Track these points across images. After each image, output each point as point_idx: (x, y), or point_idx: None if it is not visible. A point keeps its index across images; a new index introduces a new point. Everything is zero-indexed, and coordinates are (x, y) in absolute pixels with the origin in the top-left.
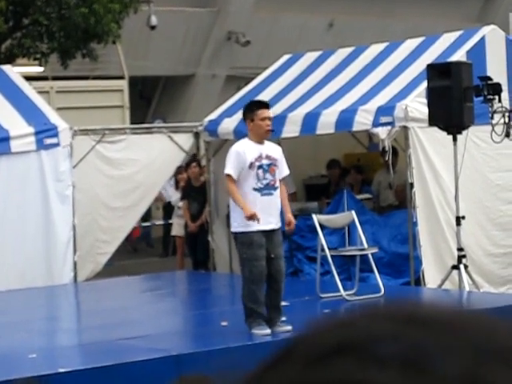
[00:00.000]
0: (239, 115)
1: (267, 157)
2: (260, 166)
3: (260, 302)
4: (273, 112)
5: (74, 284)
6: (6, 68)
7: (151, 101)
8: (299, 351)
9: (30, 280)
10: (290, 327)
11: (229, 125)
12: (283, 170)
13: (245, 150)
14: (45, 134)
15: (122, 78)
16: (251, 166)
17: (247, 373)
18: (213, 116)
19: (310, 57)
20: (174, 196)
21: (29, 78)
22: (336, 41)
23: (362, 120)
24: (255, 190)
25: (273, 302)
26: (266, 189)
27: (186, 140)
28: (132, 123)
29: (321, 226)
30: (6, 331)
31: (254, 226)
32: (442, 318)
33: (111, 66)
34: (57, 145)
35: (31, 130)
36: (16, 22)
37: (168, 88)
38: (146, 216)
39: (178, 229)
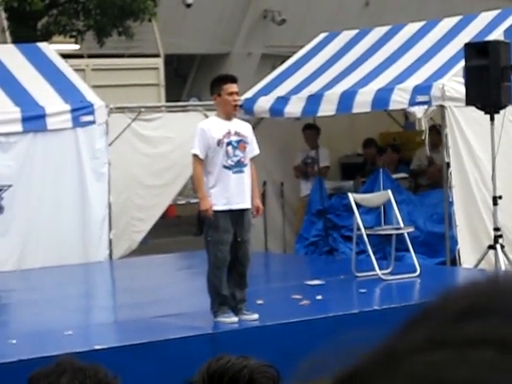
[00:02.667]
0: (275, 94)
1: (236, 133)
2: (229, 143)
3: (223, 286)
4: (309, 91)
5: (109, 262)
6: (43, 45)
7: (186, 79)
8: (434, 313)
9: (66, 257)
10: (256, 315)
11: (264, 103)
12: (254, 149)
13: (210, 127)
14: (81, 111)
15: (157, 56)
16: (219, 142)
17: (381, 339)
18: (248, 94)
19: (347, 35)
20: None
21: (65, 56)
22: (372, 19)
23: (399, 99)
24: (226, 167)
25: (238, 286)
26: (237, 166)
27: None
28: (167, 101)
29: (356, 204)
30: (42, 308)
31: (224, 205)
32: None
33: (147, 44)
34: (93, 122)
35: (67, 107)
36: None
37: (203, 66)
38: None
39: None
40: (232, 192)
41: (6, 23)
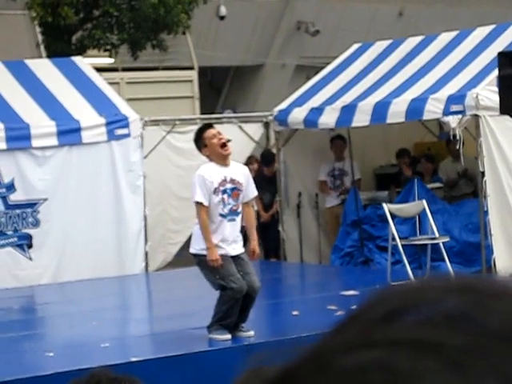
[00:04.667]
0: (309, 105)
1: (231, 180)
2: (224, 191)
3: (233, 316)
4: (343, 101)
5: (145, 274)
6: (77, 59)
7: (221, 91)
8: (362, 315)
9: (102, 270)
10: (252, 332)
11: (299, 114)
12: (249, 193)
13: (210, 175)
14: (116, 124)
15: (191, 68)
16: (215, 191)
17: (313, 341)
18: (283, 106)
19: (380, 46)
20: None
21: (99, 70)
22: (406, 30)
23: (433, 109)
24: (221, 215)
25: (242, 315)
26: (230, 214)
27: (256, 130)
28: (202, 113)
29: (391, 215)
30: (78, 321)
31: (220, 251)
32: (495, 286)
33: (181, 57)
34: (127, 135)
35: (102, 120)
36: (86, 13)
37: (237, 78)
38: None
39: None
40: (228, 241)
41: (40, 38)
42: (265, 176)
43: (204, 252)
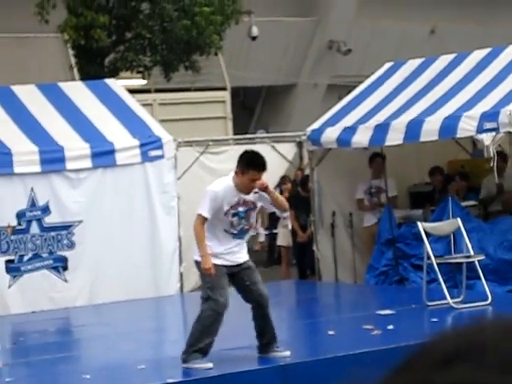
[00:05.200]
0: (342, 124)
1: (245, 203)
2: (235, 214)
3: (213, 334)
4: (376, 120)
5: (180, 295)
6: (110, 81)
7: (253, 111)
8: (420, 359)
9: (137, 291)
10: (288, 353)
11: (332, 134)
12: (266, 202)
13: (222, 194)
14: (149, 146)
15: (224, 89)
16: (226, 213)
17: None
18: (316, 125)
19: (413, 64)
20: None
21: (132, 91)
22: (438, 47)
23: (466, 126)
24: (226, 231)
25: (264, 329)
26: (239, 234)
27: (289, 149)
28: (235, 134)
29: (426, 233)
30: (114, 343)
31: (218, 261)
32: None
33: (213, 78)
34: (161, 157)
35: (136, 142)
36: (119, 35)
37: (270, 98)
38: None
39: (283, 238)
40: (228, 252)
41: (73, 60)
42: (301, 197)
43: (198, 258)
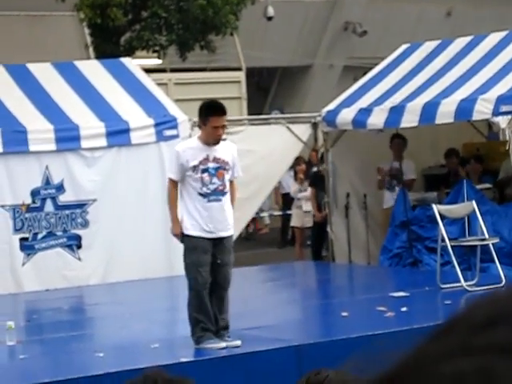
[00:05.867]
0: (358, 105)
1: (215, 159)
2: (205, 170)
3: (206, 311)
4: (391, 102)
5: None
6: (126, 60)
7: (268, 91)
8: (461, 322)
9: (151, 271)
10: (238, 342)
11: (347, 115)
12: (235, 172)
13: (187, 151)
14: (164, 125)
15: (239, 69)
16: (195, 168)
17: (410, 347)
18: (331, 106)
19: (429, 46)
20: (293, 187)
21: (147, 71)
22: (454, 30)
23: (482, 109)
24: (200, 194)
25: (218, 310)
26: (214, 194)
27: (304, 131)
28: (250, 114)
29: (441, 216)
30: (128, 322)
31: (200, 232)
32: None
33: (229, 58)
34: (176, 136)
35: (151, 121)
36: (135, 14)
37: (285, 79)
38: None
39: (297, 220)
40: (207, 221)
41: (89, 39)
42: (320, 176)
43: (184, 231)
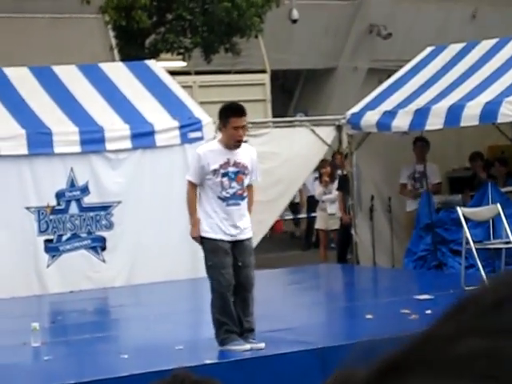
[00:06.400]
0: (382, 108)
1: (235, 164)
2: (225, 174)
3: (229, 313)
4: (416, 105)
5: None
6: (151, 63)
7: (293, 94)
8: (471, 303)
9: (175, 272)
10: (263, 344)
11: (372, 118)
12: (253, 176)
13: (208, 154)
14: (189, 127)
15: (263, 71)
16: (215, 172)
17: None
18: (355, 109)
19: (454, 49)
20: (317, 189)
21: (172, 73)
22: (479, 32)
23: (507, 112)
24: (220, 198)
25: (243, 312)
26: (233, 199)
27: (328, 133)
28: (274, 117)
29: (465, 218)
30: (152, 323)
31: (219, 235)
32: None
33: (253, 60)
34: (201, 139)
35: (176, 124)
36: (160, 17)
37: (309, 81)
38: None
39: (321, 222)
40: (226, 224)
41: (114, 41)
42: (348, 179)
43: (203, 234)
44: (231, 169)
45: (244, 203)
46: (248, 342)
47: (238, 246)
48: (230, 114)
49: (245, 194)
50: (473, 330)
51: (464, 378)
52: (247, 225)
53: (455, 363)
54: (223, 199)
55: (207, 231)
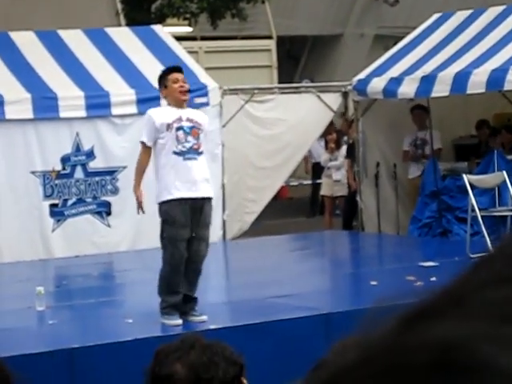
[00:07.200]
0: (388, 75)
1: (188, 119)
2: (180, 128)
3: (176, 289)
4: (423, 72)
5: (222, 243)
6: (157, 28)
7: (299, 60)
8: (501, 253)
9: None
10: (205, 317)
11: (378, 84)
12: (207, 142)
13: (160, 113)
14: (195, 93)
15: (270, 37)
16: (169, 127)
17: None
18: (362, 75)
19: (461, 16)
20: (323, 156)
21: (178, 38)
22: None
23: None
24: (176, 153)
25: (188, 282)
26: (189, 153)
27: (334, 100)
28: (280, 83)
29: (471, 186)
30: (156, 288)
31: (176, 194)
32: None
33: (259, 26)
34: (206, 104)
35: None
36: None
37: (316, 48)
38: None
39: (326, 189)
40: (183, 180)
41: (120, 6)
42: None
43: (159, 199)
44: (185, 123)
45: (202, 159)
46: (190, 314)
47: (195, 211)
48: (167, 72)
49: (201, 149)
50: (506, 278)
51: (500, 322)
52: (206, 182)
53: (490, 308)
54: (179, 153)
55: (163, 194)
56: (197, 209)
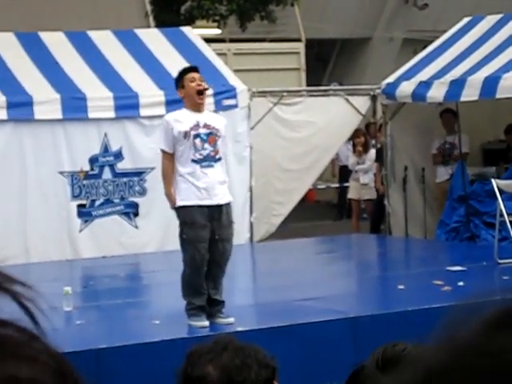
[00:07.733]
0: (417, 78)
1: (205, 126)
2: (197, 135)
3: (200, 290)
4: (452, 76)
5: (249, 245)
6: (186, 30)
7: (328, 63)
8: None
9: None
10: (232, 319)
11: (407, 88)
12: (226, 144)
13: (176, 119)
14: (223, 95)
15: (299, 40)
16: (186, 135)
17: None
18: (391, 79)
19: (491, 20)
20: (351, 159)
21: (207, 40)
22: None
23: None
24: (194, 161)
25: (213, 284)
26: (206, 160)
27: (362, 103)
28: (308, 86)
29: (499, 190)
30: (175, 290)
31: (194, 201)
32: None
33: (288, 29)
34: (235, 106)
35: (210, 91)
36: None
37: (344, 51)
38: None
39: (354, 192)
40: (201, 188)
41: (149, 8)
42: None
43: (178, 203)
44: (202, 130)
45: (218, 165)
46: (217, 316)
47: (217, 215)
48: (183, 73)
49: (218, 156)
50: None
51: None
52: (224, 187)
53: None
54: (197, 161)
55: (182, 199)
56: (215, 213)
